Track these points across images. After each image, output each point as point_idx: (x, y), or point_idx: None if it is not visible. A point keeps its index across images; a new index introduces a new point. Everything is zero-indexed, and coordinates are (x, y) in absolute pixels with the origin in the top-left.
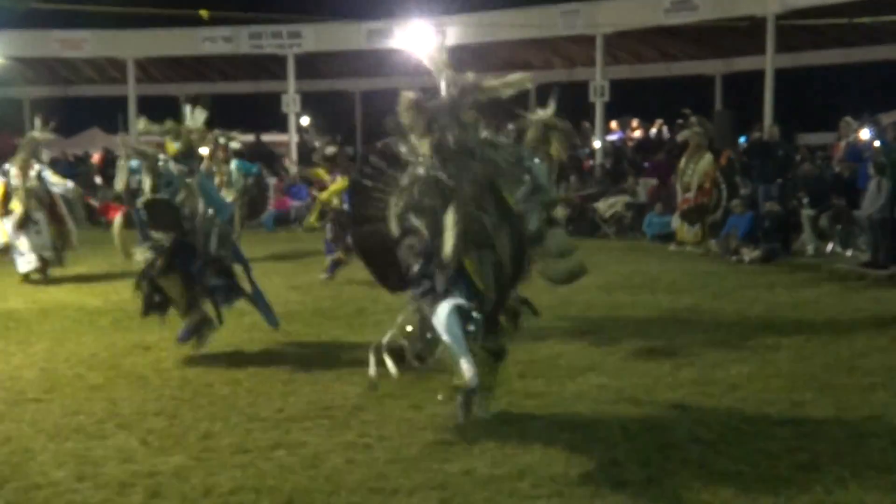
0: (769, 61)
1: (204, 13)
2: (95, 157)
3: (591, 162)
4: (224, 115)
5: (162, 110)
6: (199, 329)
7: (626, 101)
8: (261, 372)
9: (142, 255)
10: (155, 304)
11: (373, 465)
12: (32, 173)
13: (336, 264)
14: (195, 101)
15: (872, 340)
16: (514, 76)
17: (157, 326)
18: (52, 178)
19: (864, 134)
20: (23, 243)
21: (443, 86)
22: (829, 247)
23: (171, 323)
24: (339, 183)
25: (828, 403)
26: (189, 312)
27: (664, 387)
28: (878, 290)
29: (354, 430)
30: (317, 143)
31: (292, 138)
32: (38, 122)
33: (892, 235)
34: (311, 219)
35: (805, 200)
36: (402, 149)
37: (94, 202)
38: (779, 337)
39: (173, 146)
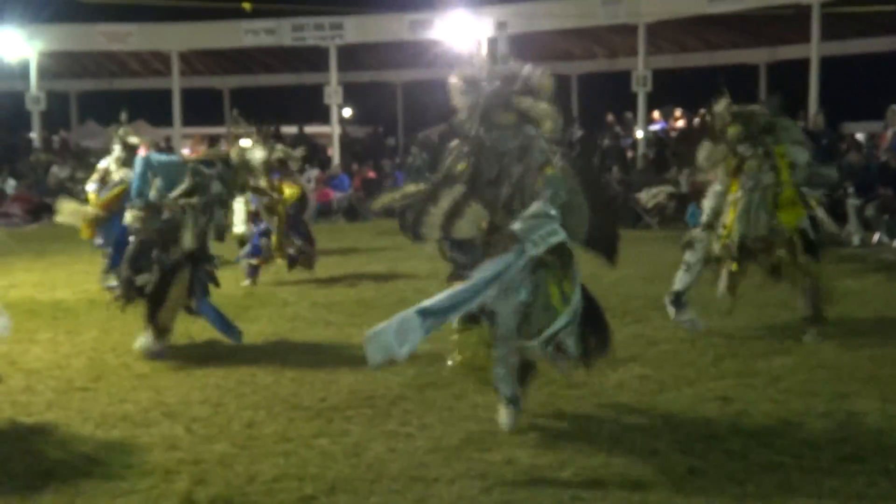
0: (814, 49)
1: (247, 6)
2: (142, 150)
3: (631, 152)
4: (266, 107)
5: (205, 103)
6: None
7: (668, 90)
8: (303, 361)
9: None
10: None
11: (414, 454)
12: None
13: (255, 269)
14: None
15: None
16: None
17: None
18: None
19: None
20: None
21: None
22: (876, 237)
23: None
24: (289, 191)
25: (873, 395)
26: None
27: (707, 378)
28: None
29: (396, 419)
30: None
31: (335, 130)
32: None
33: None
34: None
35: (851, 190)
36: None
37: None
38: (824, 328)
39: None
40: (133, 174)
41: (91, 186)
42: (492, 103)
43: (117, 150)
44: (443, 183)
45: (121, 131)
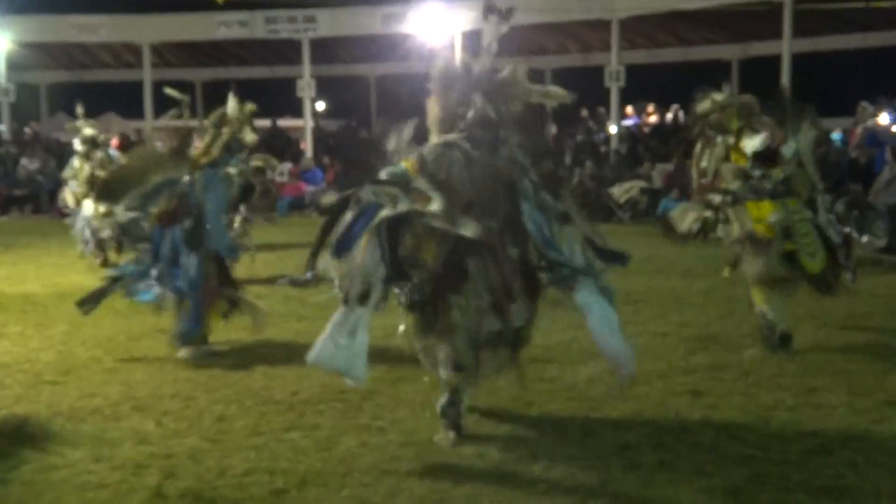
0: (786, 46)
1: None
2: (113, 142)
3: (604, 147)
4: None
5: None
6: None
7: (641, 85)
8: (275, 356)
9: None
10: None
11: (386, 447)
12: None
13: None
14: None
15: (887, 326)
16: (557, 91)
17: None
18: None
19: (884, 119)
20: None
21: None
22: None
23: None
24: None
25: (841, 388)
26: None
27: (677, 372)
28: (893, 276)
29: (368, 413)
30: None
31: (307, 123)
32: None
33: None
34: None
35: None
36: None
37: None
38: (793, 322)
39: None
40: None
41: (73, 186)
42: (475, 121)
43: (77, 144)
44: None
45: (78, 123)
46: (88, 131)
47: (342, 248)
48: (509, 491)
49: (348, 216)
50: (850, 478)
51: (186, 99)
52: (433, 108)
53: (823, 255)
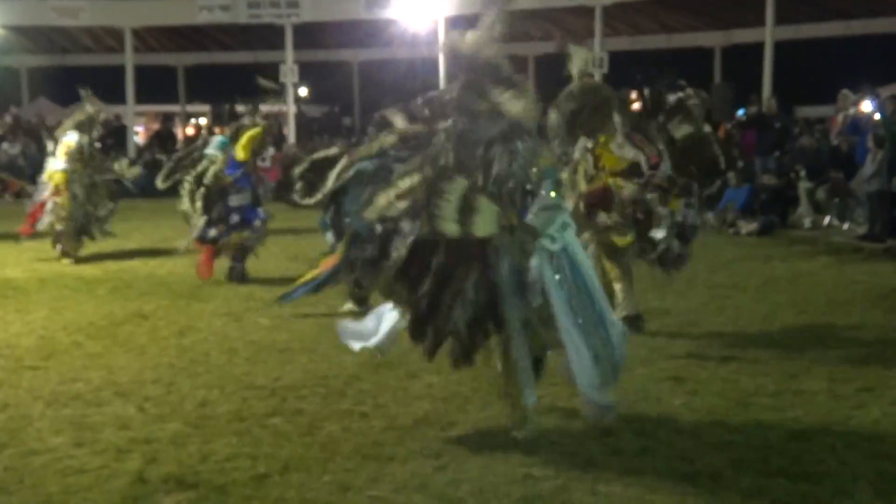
0: (769, 33)
1: None
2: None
3: None
4: (222, 85)
5: (159, 80)
6: None
7: (624, 72)
8: (258, 341)
9: None
10: None
11: (368, 433)
12: None
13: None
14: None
15: (867, 313)
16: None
17: (155, 296)
18: None
19: (866, 106)
20: None
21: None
22: (826, 220)
23: (168, 291)
24: None
25: (821, 375)
26: None
27: (660, 357)
28: (874, 264)
29: (350, 398)
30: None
31: (290, 109)
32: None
33: (889, 209)
34: None
35: (802, 173)
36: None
37: None
38: (774, 309)
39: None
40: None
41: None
42: (465, 92)
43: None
44: (442, 176)
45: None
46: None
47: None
48: (490, 476)
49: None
50: (830, 463)
51: (277, 88)
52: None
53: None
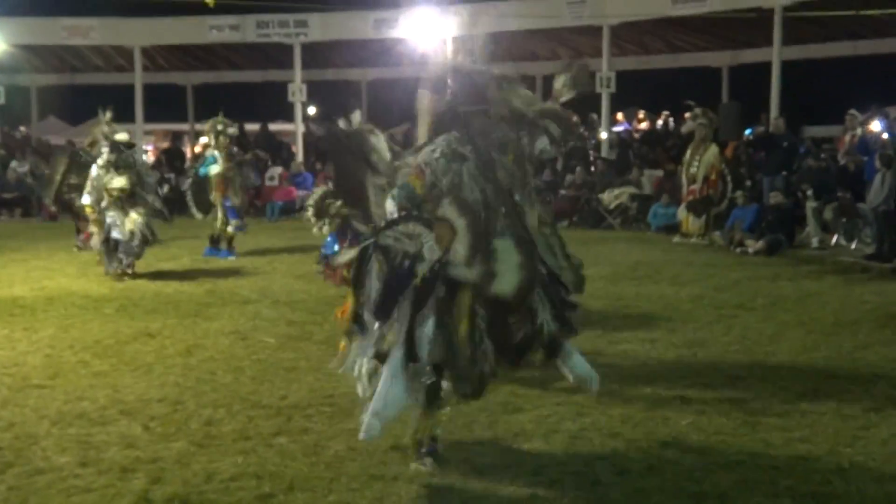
0: (776, 53)
1: (210, 1)
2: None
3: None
4: (231, 104)
5: (168, 99)
6: None
7: (632, 92)
8: (264, 360)
9: None
10: None
11: (374, 452)
12: None
13: None
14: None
15: (875, 333)
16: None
17: (162, 315)
18: None
19: (875, 126)
20: None
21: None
22: (834, 239)
23: (175, 310)
24: None
25: (829, 395)
26: None
27: (667, 377)
28: (881, 283)
29: (356, 418)
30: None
31: (298, 127)
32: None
33: None
34: None
35: (809, 192)
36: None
37: None
38: (782, 329)
39: None
40: None
41: (85, 199)
42: (472, 110)
43: (105, 152)
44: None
45: (105, 129)
46: (121, 136)
47: (383, 313)
48: (496, 497)
49: (380, 278)
50: (837, 483)
51: None
52: (425, 111)
53: None
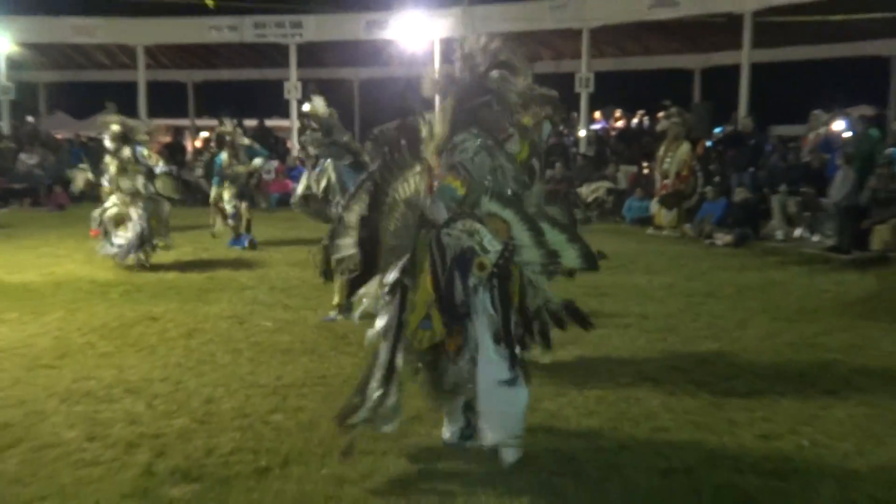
0: (745, 56)
1: (210, 3)
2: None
3: (572, 150)
4: (230, 100)
5: (170, 96)
6: None
7: (609, 92)
8: (261, 343)
9: None
10: None
11: (364, 430)
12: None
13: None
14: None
15: (835, 320)
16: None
17: (165, 299)
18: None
19: (838, 125)
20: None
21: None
22: (797, 232)
23: (177, 295)
24: None
25: (790, 378)
26: None
27: (640, 360)
28: (841, 273)
29: (347, 396)
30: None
31: (294, 123)
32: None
33: (856, 222)
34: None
35: (779, 188)
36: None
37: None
38: (747, 315)
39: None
40: None
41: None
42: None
43: (106, 141)
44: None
45: (109, 118)
46: (116, 128)
47: (456, 316)
48: (476, 470)
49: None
50: (797, 461)
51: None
52: (440, 113)
53: None
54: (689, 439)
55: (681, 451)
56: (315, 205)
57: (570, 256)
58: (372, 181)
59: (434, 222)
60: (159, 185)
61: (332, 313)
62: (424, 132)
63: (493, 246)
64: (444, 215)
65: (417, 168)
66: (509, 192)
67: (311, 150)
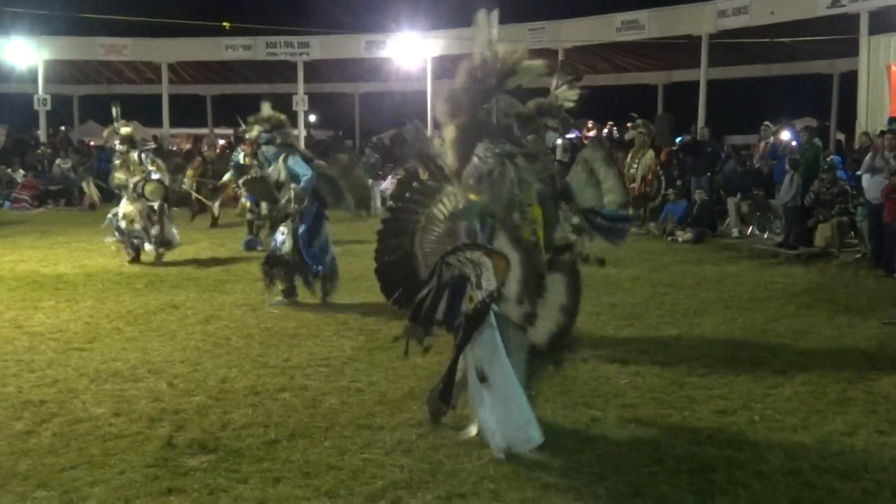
0: (703, 73)
1: (227, 25)
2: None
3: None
4: (243, 112)
5: (190, 107)
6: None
7: (582, 105)
8: (271, 328)
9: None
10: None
11: (363, 406)
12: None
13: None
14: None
15: (783, 308)
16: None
17: (184, 289)
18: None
19: (785, 135)
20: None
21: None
22: (750, 230)
23: (196, 286)
24: None
25: (743, 360)
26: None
27: (609, 344)
28: (789, 267)
29: (348, 376)
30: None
31: (301, 133)
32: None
33: (802, 221)
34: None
35: (735, 192)
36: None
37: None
38: (705, 304)
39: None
40: None
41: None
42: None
43: (116, 144)
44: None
45: (116, 125)
46: (125, 130)
47: (452, 321)
48: (465, 442)
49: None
50: (749, 433)
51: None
52: (451, 127)
53: None
54: (653, 414)
55: (646, 425)
56: (260, 185)
57: (543, 329)
58: (399, 209)
59: (456, 239)
60: (148, 189)
61: (278, 298)
62: (437, 145)
63: (488, 285)
64: (463, 237)
65: (448, 188)
66: (536, 189)
67: (267, 150)
